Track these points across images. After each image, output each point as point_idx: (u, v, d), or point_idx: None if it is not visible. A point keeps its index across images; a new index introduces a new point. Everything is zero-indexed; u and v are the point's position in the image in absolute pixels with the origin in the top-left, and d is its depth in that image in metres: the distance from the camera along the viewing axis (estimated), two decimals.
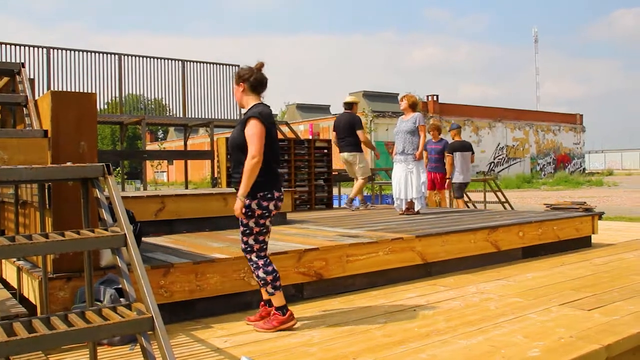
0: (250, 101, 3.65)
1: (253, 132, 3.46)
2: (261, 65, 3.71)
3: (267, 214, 3.55)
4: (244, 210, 3.50)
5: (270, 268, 3.56)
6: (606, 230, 8.42)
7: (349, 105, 8.68)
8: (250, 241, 3.56)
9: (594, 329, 3.35)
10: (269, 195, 3.53)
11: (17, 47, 11.76)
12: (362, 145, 8.53)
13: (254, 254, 3.58)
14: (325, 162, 10.29)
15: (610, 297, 4.17)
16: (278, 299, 3.55)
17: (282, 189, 3.66)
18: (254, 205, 3.50)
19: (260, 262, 3.56)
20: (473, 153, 10.14)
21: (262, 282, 3.56)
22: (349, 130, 8.49)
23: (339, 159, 8.91)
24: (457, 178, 9.89)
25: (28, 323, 2.30)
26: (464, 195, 10.47)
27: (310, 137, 12.63)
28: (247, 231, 3.56)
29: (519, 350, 3.00)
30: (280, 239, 5.11)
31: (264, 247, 3.63)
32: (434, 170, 10.02)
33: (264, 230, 3.60)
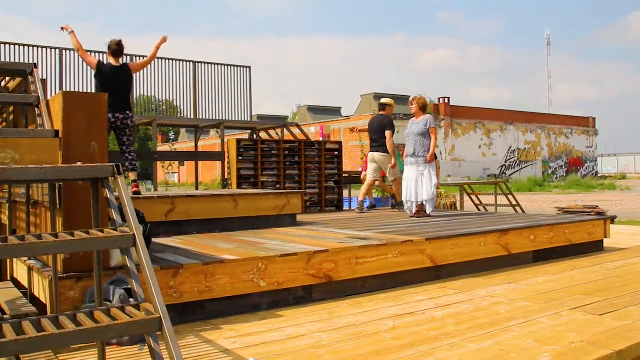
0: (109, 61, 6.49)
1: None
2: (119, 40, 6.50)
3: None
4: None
5: None
6: (619, 234, 8.34)
7: (383, 106, 9.00)
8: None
9: (605, 334, 3.31)
10: None
11: (30, 48, 11.87)
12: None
13: None
14: (335, 164, 10.29)
15: (622, 302, 4.12)
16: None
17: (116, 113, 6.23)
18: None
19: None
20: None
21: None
22: (380, 132, 8.71)
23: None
24: None
25: (37, 322, 2.31)
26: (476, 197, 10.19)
27: (321, 139, 12.61)
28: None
29: (530, 355, 2.97)
30: (289, 241, 5.10)
31: None
32: None
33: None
